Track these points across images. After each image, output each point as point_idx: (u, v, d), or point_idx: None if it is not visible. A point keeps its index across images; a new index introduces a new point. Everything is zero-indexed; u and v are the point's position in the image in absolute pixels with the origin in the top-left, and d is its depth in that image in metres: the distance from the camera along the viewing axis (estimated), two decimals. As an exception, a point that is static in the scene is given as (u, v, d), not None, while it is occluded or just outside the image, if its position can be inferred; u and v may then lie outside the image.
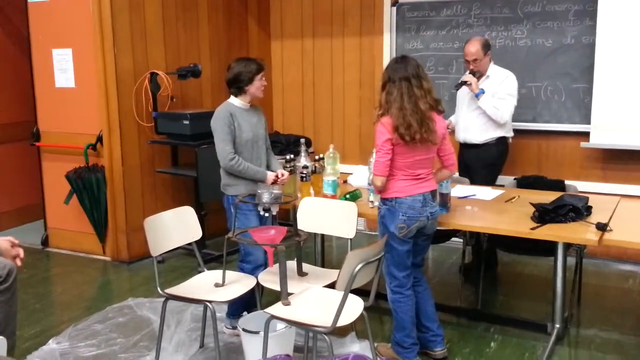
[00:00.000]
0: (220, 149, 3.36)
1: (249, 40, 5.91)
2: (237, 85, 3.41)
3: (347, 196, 3.52)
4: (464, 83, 4.23)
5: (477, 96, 4.14)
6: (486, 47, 4.19)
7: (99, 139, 4.86)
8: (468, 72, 4.21)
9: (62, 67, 4.99)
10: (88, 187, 4.87)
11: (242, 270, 3.42)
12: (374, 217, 3.19)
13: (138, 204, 4.93)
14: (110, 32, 4.63)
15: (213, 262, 4.72)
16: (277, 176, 3.48)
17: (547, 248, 3.29)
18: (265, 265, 3.38)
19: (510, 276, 4.54)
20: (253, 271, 3.36)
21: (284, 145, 5.43)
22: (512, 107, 4.19)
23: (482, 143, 4.23)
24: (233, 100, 3.47)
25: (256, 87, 3.44)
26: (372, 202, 3.38)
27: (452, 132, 4.35)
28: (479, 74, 4.20)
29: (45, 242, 5.33)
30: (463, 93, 4.32)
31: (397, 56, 3.10)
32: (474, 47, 4.15)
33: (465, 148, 4.34)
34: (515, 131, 4.90)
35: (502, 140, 4.27)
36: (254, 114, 3.52)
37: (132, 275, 4.70)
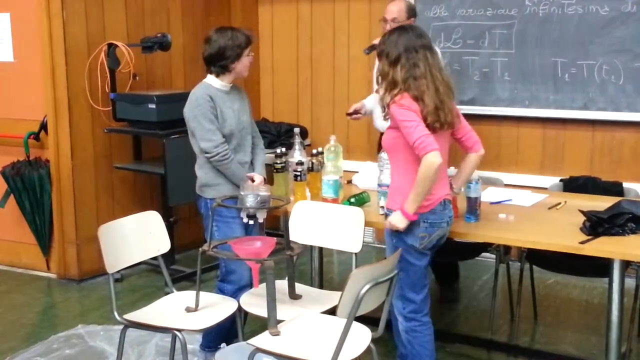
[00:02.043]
0: (207, 139, 3.37)
1: (230, 4, 5.91)
2: (221, 64, 3.42)
3: (352, 200, 3.52)
4: (373, 47, 4.25)
5: None
6: (411, 11, 4.36)
7: (43, 126, 4.86)
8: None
9: (-3, 37, 5.00)
10: (29, 187, 4.87)
11: (221, 291, 3.43)
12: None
13: (91, 208, 4.94)
14: (58, -8, 4.64)
15: (184, 281, 4.72)
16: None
17: (599, 266, 3.30)
18: (250, 285, 3.39)
19: (554, 301, 4.55)
20: (236, 293, 3.36)
21: (274, 136, 5.44)
22: None
23: None
24: (212, 80, 3.47)
25: (244, 64, 3.46)
26: (383, 207, 3.38)
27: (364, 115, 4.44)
28: None
29: (-26, 254, 5.34)
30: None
31: (401, 25, 3.13)
32: (395, 6, 4.34)
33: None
34: (562, 120, 4.92)
35: None
36: (236, 96, 3.53)
37: (82, 297, 4.70)
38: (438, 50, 3.12)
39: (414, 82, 2.91)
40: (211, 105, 3.38)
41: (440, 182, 3.03)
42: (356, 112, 4.54)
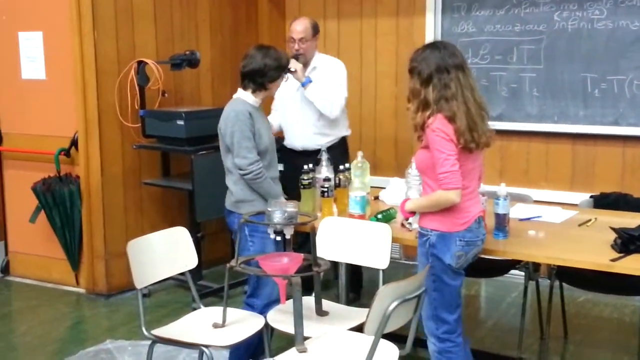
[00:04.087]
0: (242, 156, 3.40)
1: (258, 22, 5.96)
2: (260, 81, 3.46)
3: (379, 216, 3.51)
4: (290, 72, 4.37)
5: (303, 85, 4.33)
6: (315, 29, 4.47)
7: (74, 142, 4.92)
8: (291, 56, 4.33)
9: (30, 55, 5.08)
10: (59, 202, 4.93)
11: (250, 306, 3.44)
12: (413, 243, 3.17)
13: (120, 224, 4.98)
14: (89, 11, 4.70)
15: (211, 296, 4.73)
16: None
17: (631, 285, 3.25)
18: (279, 301, 3.38)
19: (584, 320, 4.48)
20: (265, 308, 3.37)
21: (301, 152, 5.44)
22: (343, 99, 4.43)
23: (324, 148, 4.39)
24: (246, 96, 3.50)
25: (277, 85, 3.55)
26: (410, 223, 3.37)
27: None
28: (303, 60, 4.40)
29: (5, 269, 5.40)
30: (289, 90, 4.40)
31: (433, 41, 3.09)
32: (301, 25, 4.43)
33: (303, 156, 4.36)
34: (592, 136, 4.87)
35: (344, 140, 4.61)
36: (263, 113, 3.59)
37: (111, 312, 4.73)
38: None
39: (446, 103, 2.88)
40: (250, 123, 3.41)
41: (474, 199, 3.01)
42: None
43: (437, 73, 2.90)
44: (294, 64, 4.29)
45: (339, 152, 4.42)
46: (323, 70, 4.44)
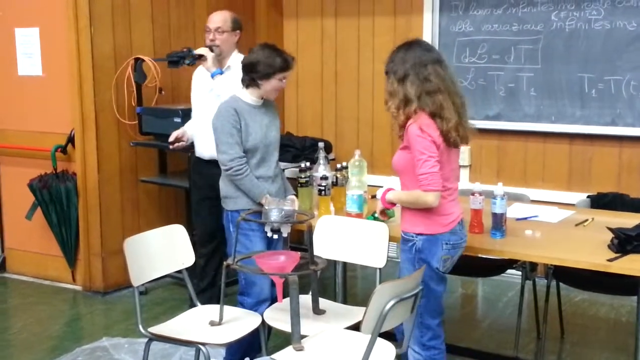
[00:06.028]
0: (223, 151, 3.40)
1: (255, 19, 5.94)
2: (250, 76, 3.44)
3: (376, 215, 3.51)
4: (197, 57, 4.12)
5: (212, 77, 4.00)
6: (235, 24, 4.19)
7: (70, 139, 4.92)
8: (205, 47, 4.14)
9: (26, 51, 5.08)
10: (56, 199, 4.93)
11: (242, 304, 3.44)
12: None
13: (117, 221, 4.98)
14: (86, 7, 4.70)
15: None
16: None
17: (628, 285, 3.26)
18: (271, 300, 3.39)
19: (581, 319, 4.50)
20: (255, 306, 3.38)
21: (298, 150, 5.44)
22: None
23: None
24: (241, 93, 3.49)
25: (272, 86, 3.45)
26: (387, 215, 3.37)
27: (190, 147, 4.26)
28: (218, 52, 4.11)
29: (1, 266, 5.40)
30: (203, 87, 4.12)
31: (406, 41, 3.03)
32: (219, 15, 4.18)
33: (210, 166, 3.95)
34: (589, 136, 4.88)
35: None
36: (266, 112, 3.54)
37: (107, 309, 4.73)
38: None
39: (429, 97, 2.83)
40: (234, 119, 3.39)
41: (455, 201, 2.99)
42: (178, 140, 4.22)
43: (412, 69, 2.86)
44: (204, 51, 4.07)
45: None
46: (239, 70, 3.67)
